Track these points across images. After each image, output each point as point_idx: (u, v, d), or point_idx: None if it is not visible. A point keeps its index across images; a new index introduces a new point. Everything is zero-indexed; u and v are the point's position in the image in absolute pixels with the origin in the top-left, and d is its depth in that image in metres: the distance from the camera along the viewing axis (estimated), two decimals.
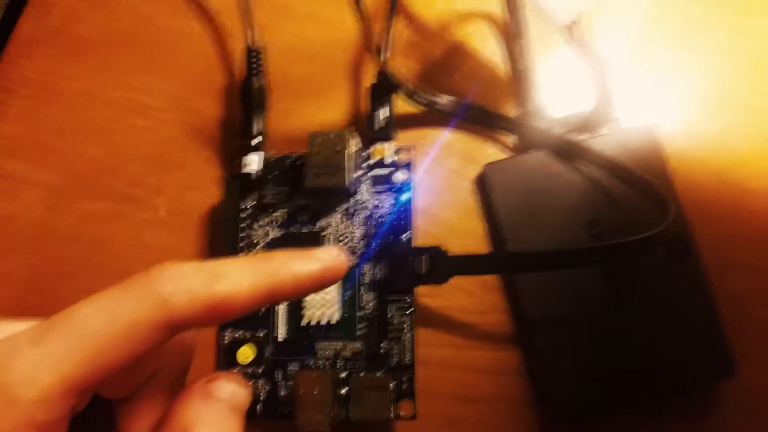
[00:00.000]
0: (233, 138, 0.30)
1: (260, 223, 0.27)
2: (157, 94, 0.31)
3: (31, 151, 0.31)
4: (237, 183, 0.27)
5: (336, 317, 0.25)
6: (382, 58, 0.26)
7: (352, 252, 0.26)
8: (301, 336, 0.25)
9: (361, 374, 0.24)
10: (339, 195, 0.27)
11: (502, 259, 0.25)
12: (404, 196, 0.26)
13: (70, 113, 0.31)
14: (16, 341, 0.14)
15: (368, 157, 0.27)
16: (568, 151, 0.26)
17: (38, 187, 0.30)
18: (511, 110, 0.28)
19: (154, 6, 0.33)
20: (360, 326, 0.25)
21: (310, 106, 0.30)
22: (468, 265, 0.24)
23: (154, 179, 0.30)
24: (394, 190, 0.27)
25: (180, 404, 0.17)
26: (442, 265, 0.24)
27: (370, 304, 0.25)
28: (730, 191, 0.26)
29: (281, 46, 0.31)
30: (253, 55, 0.29)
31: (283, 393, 0.25)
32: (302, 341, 0.25)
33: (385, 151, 0.27)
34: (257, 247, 0.27)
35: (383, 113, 0.27)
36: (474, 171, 0.28)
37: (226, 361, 0.26)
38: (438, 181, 0.28)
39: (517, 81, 0.28)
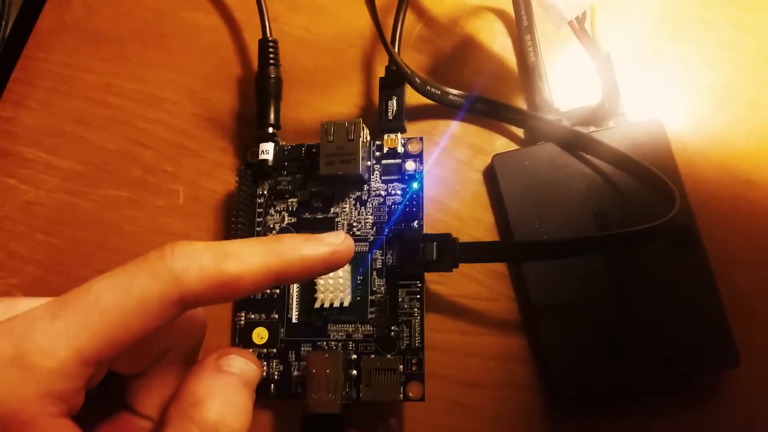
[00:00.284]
0: (247, 128, 0.30)
1: (276, 209, 0.28)
2: (171, 86, 0.32)
3: (51, 140, 0.32)
4: (253, 170, 0.28)
5: (348, 301, 0.26)
6: (392, 51, 0.27)
7: (365, 238, 0.27)
8: (313, 318, 0.26)
9: (372, 356, 0.25)
10: (352, 182, 0.27)
11: (510, 247, 0.26)
12: (415, 185, 0.27)
13: (88, 104, 0.32)
14: (33, 315, 0.15)
15: (380, 147, 0.28)
16: (575, 144, 0.26)
17: (59, 174, 0.31)
18: (519, 103, 0.29)
19: (166, 1, 0.33)
20: (371, 310, 0.26)
21: (319, 98, 0.30)
22: (476, 252, 0.25)
23: (170, 167, 0.30)
24: (405, 178, 0.27)
25: (192, 378, 0.17)
26: (451, 252, 0.24)
27: (382, 289, 0.26)
28: (735, 184, 0.26)
29: (292, 40, 0.31)
30: (270, 46, 0.29)
31: (295, 373, 0.26)
32: (315, 323, 0.26)
33: (397, 141, 0.28)
34: (273, 232, 0.28)
35: (394, 105, 0.28)
36: (483, 162, 0.28)
37: (241, 342, 0.26)
38: (447, 172, 0.28)
39: (525, 75, 0.29)
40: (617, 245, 0.24)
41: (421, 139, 0.28)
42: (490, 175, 0.28)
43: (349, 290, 0.26)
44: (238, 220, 0.27)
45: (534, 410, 0.25)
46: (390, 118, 0.28)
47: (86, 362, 0.14)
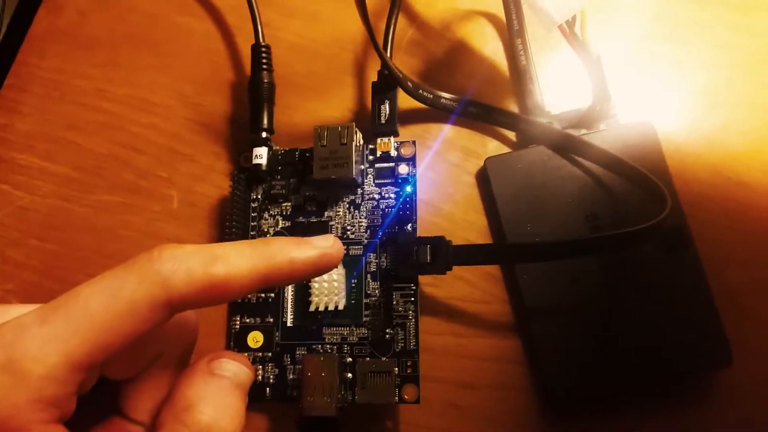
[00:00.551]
0: (241, 132, 0.30)
1: (270, 213, 0.28)
2: (164, 91, 0.32)
3: (44, 146, 0.32)
4: (247, 174, 0.28)
5: (343, 304, 0.26)
6: (384, 55, 0.27)
7: (359, 241, 0.27)
8: (308, 322, 0.26)
9: (367, 359, 0.25)
10: (345, 186, 0.27)
11: (503, 249, 0.26)
12: (408, 188, 0.27)
13: (82, 110, 0.32)
14: (23, 321, 0.15)
15: (373, 151, 0.28)
16: (566, 146, 0.26)
17: (52, 179, 0.31)
18: (511, 106, 0.29)
19: (159, 6, 0.34)
20: (366, 313, 0.26)
21: (312, 102, 0.31)
22: (469, 255, 0.25)
23: (164, 172, 0.30)
24: (398, 181, 0.27)
25: (183, 382, 0.17)
26: (444, 254, 0.24)
27: (376, 292, 0.26)
28: (726, 186, 0.26)
29: (284, 45, 0.31)
30: (263, 51, 0.30)
31: (291, 377, 0.26)
32: (310, 327, 0.26)
33: (390, 145, 0.28)
34: (267, 236, 0.28)
35: (387, 109, 0.28)
36: (475, 165, 0.28)
37: (236, 346, 0.27)
38: (440, 175, 0.28)
39: (516, 78, 0.29)
40: (609, 246, 0.24)
41: (413, 142, 0.28)
42: (483, 178, 0.28)
43: (343, 293, 0.26)
44: (232, 224, 0.27)
45: (528, 411, 0.25)
46: (383, 122, 0.28)
47: (77, 367, 0.14)
